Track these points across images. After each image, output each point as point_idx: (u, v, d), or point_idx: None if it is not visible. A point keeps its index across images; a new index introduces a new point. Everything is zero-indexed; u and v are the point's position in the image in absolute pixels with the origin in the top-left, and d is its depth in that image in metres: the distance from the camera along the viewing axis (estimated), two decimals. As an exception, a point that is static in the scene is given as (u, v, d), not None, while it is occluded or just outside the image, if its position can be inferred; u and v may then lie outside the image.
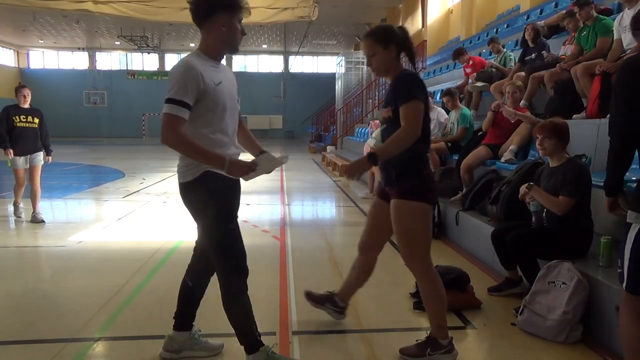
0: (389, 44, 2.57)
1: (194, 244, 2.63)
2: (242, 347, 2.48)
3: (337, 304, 3.09)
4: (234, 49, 2.42)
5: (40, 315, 3.24)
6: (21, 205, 6.22)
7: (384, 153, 2.53)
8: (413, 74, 2.61)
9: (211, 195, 2.34)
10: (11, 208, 6.32)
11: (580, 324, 2.82)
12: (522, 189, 3.34)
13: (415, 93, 2.50)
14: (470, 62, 8.14)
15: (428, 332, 2.69)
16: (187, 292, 2.67)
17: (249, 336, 2.46)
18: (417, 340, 2.69)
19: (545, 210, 3.24)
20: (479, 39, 13.34)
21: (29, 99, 6.05)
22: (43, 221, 5.97)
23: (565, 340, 2.79)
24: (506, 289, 3.54)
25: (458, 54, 8.25)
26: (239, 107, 2.65)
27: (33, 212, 6.04)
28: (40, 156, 6.15)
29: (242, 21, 2.39)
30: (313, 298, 3.16)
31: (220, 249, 2.39)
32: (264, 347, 2.45)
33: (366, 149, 6.02)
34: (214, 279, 3.23)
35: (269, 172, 2.40)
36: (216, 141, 2.33)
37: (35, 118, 6.06)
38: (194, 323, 2.71)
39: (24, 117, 5.97)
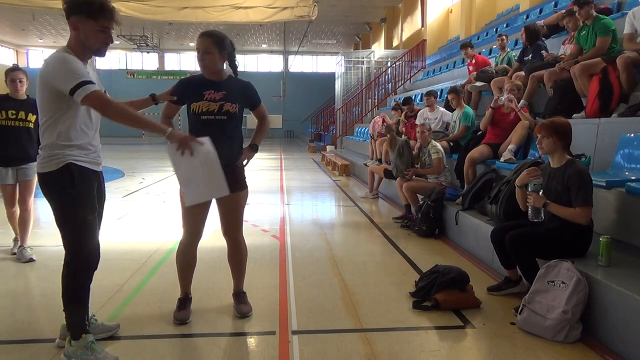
0: (223, 51, 2.96)
1: None
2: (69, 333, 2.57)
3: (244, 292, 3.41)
4: (96, 53, 2.55)
5: (40, 314, 3.24)
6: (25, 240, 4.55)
7: (260, 141, 3.23)
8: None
9: (73, 185, 2.45)
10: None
11: (579, 323, 2.82)
12: (524, 182, 3.26)
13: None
14: (474, 61, 8.18)
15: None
16: None
17: (77, 325, 2.56)
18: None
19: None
20: (478, 39, 13.34)
21: (24, 87, 4.37)
22: (32, 259, 4.37)
23: (565, 340, 2.79)
24: (505, 289, 3.55)
25: (464, 46, 8.48)
26: None
27: (20, 246, 4.48)
28: (32, 168, 4.32)
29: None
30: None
31: (75, 238, 2.50)
32: (85, 336, 2.55)
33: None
34: (216, 282, 3.23)
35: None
36: (81, 132, 2.49)
37: (30, 114, 4.32)
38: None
39: (14, 112, 4.27)
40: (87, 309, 2.63)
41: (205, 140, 2.67)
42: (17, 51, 35.48)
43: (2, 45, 33.67)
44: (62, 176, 2.44)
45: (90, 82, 2.35)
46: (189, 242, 3.15)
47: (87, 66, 2.54)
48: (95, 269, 2.59)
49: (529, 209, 3.27)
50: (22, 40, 33.56)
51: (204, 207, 3.05)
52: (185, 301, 3.20)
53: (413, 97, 10.01)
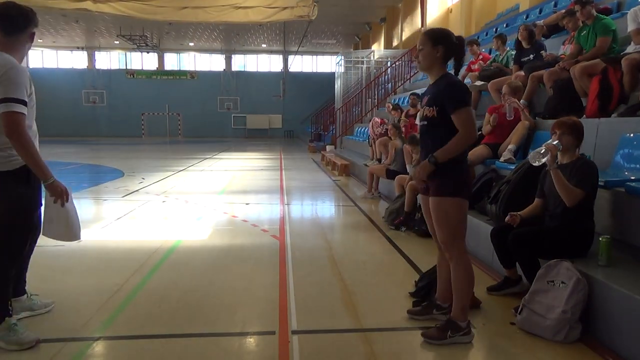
0: (438, 44, 2.75)
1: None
2: None
3: (442, 307, 3.11)
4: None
5: (39, 314, 3.23)
6: None
7: (444, 156, 2.69)
8: (460, 81, 2.85)
9: (28, 186, 2.66)
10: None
11: (579, 323, 2.82)
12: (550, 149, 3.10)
13: (467, 100, 2.78)
14: (480, 57, 8.16)
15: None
16: None
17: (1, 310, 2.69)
18: (436, 325, 2.87)
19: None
20: (478, 39, 13.32)
21: None
22: None
23: (564, 340, 2.79)
24: (505, 288, 3.55)
25: (470, 43, 8.37)
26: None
27: None
28: None
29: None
30: (418, 313, 3.18)
31: (14, 236, 2.66)
32: (7, 319, 2.68)
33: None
34: (216, 282, 3.22)
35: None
36: (31, 132, 2.65)
37: None
38: (26, 288, 3.08)
39: None
40: (10, 295, 2.75)
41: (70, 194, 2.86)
42: (16, 51, 35.49)
43: (1, 45, 33.67)
44: (18, 176, 2.56)
45: (25, 104, 2.52)
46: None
47: None
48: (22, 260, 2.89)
49: (532, 151, 3.24)
50: (22, 40, 33.52)
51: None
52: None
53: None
